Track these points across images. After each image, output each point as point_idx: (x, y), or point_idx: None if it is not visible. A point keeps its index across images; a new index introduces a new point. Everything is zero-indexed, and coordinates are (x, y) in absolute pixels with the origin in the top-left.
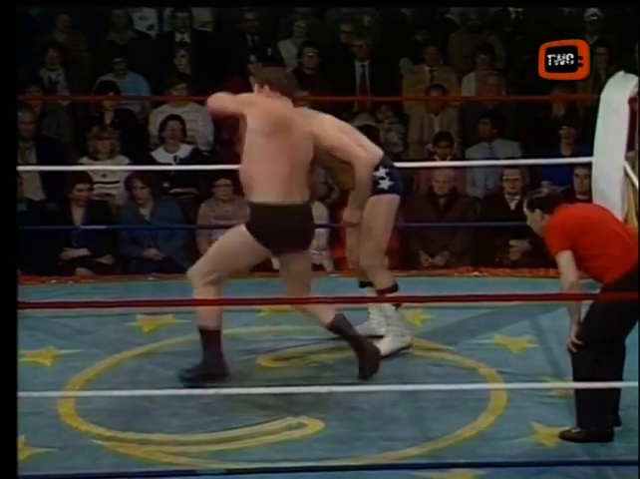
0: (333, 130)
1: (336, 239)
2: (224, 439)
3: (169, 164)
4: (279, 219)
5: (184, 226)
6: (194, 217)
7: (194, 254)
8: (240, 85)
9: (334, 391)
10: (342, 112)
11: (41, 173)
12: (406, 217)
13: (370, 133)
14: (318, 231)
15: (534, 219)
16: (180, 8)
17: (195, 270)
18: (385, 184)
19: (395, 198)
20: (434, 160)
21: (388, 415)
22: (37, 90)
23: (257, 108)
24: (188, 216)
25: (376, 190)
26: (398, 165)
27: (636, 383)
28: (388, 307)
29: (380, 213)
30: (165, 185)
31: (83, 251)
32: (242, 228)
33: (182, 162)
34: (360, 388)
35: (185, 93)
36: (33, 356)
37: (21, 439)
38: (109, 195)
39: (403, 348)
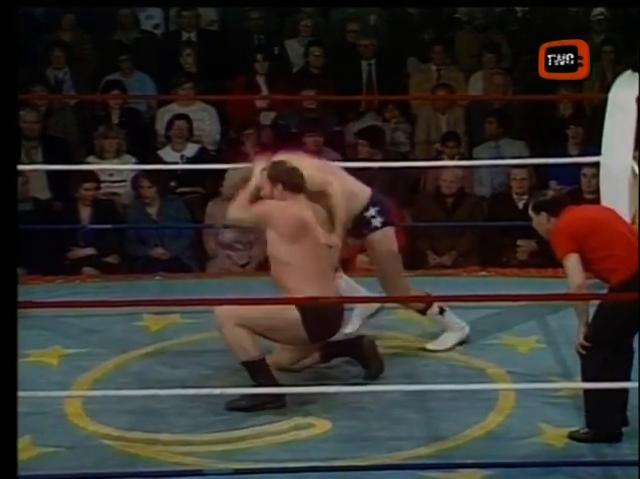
0: (311, 168)
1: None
2: (231, 439)
3: (176, 163)
4: (328, 319)
5: (191, 225)
6: (201, 216)
7: (201, 254)
8: (246, 84)
9: (342, 391)
10: (349, 111)
11: (47, 172)
12: (413, 216)
13: (376, 133)
14: None
15: (540, 221)
16: (187, 7)
17: (230, 312)
18: (377, 221)
19: (389, 230)
20: (441, 159)
21: (396, 415)
22: (43, 89)
23: (276, 218)
24: (195, 215)
25: (370, 229)
26: (405, 164)
27: (636, 384)
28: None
29: (382, 249)
30: (172, 184)
31: (89, 251)
32: (297, 314)
33: (189, 161)
34: (368, 388)
35: (192, 92)
36: (39, 356)
37: (27, 439)
38: (115, 194)
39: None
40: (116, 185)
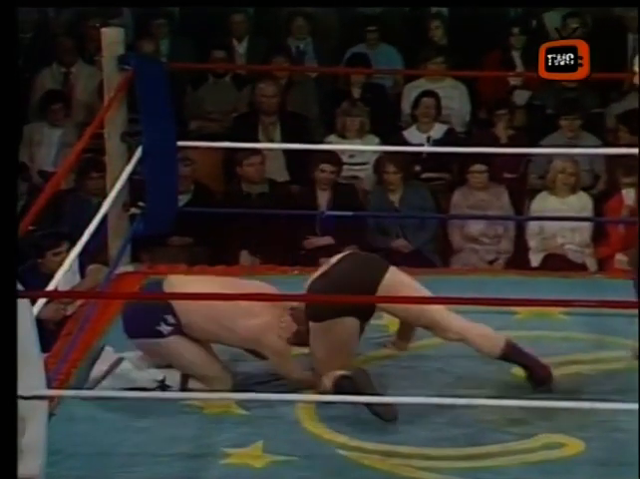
0: None
1: (601, 234)
2: (475, 456)
3: (422, 145)
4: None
5: (436, 215)
6: (446, 205)
7: (445, 247)
8: (500, 60)
9: (596, 408)
10: (611, 91)
11: (285, 151)
12: None
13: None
14: (580, 224)
15: None
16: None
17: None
18: None
19: None
20: None
21: None
22: (283, 60)
23: None
24: (440, 204)
25: None
26: None
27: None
28: None
29: None
30: (417, 168)
31: (327, 240)
32: None
33: (436, 143)
34: (625, 406)
35: (442, 67)
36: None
37: (259, 445)
38: (356, 177)
39: None
40: (357, 167)
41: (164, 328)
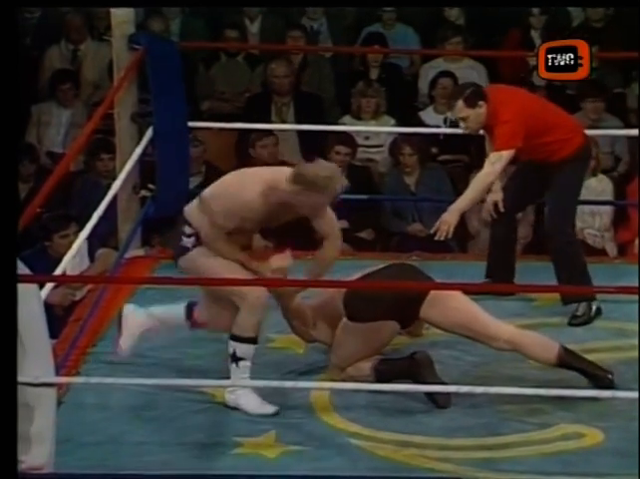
0: None
1: (622, 218)
2: (492, 446)
3: (439, 126)
4: None
5: (453, 198)
6: (463, 188)
7: (463, 232)
8: (520, 40)
9: (617, 397)
10: (634, 70)
11: (299, 133)
12: None
13: None
14: (601, 208)
15: (478, 113)
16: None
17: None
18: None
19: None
20: None
21: None
22: (299, 35)
23: None
24: (457, 187)
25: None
26: None
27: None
28: None
29: None
30: (434, 150)
31: (342, 224)
32: None
33: (453, 125)
34: None
35: (460, 47)
36: (285, 342)
37: (272, 435)
38: (371, 160)
39: None
40: (372, 150)
41: (187, 241)
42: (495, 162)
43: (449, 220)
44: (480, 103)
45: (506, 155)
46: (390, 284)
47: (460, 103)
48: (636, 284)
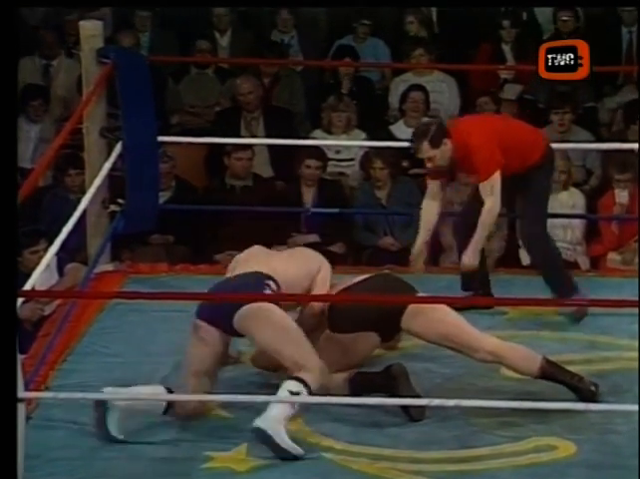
0: None
1: (593, 232)
2: (465, 458)
3: (410, 140)
4: None
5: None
6: None
7: (434, 245)
8: (491, 53)
9: (590, 410)
10: (604, 85)
11: (270, 147)
12: None
13: (634, 110)
14: (572, 222)
15: (445, 150)
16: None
17: None
18: None
19: None
20: None
21: None
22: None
23: None
24: None
25: None
26: None
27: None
28: None
29: None
30: (405, 164)
31: (313, 237)
32: None
33: None
34: (619, 407)
35: (425, 60)
36: None
37: (243, 449)
38: (342, 174)
39: None
40: (343, 164)
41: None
42: (490, 191)
43: (472, 263)
44: (445, 141)
45: (495, 178)
46: (373, 298)
47: (425, 145)
48: (612, 297)
